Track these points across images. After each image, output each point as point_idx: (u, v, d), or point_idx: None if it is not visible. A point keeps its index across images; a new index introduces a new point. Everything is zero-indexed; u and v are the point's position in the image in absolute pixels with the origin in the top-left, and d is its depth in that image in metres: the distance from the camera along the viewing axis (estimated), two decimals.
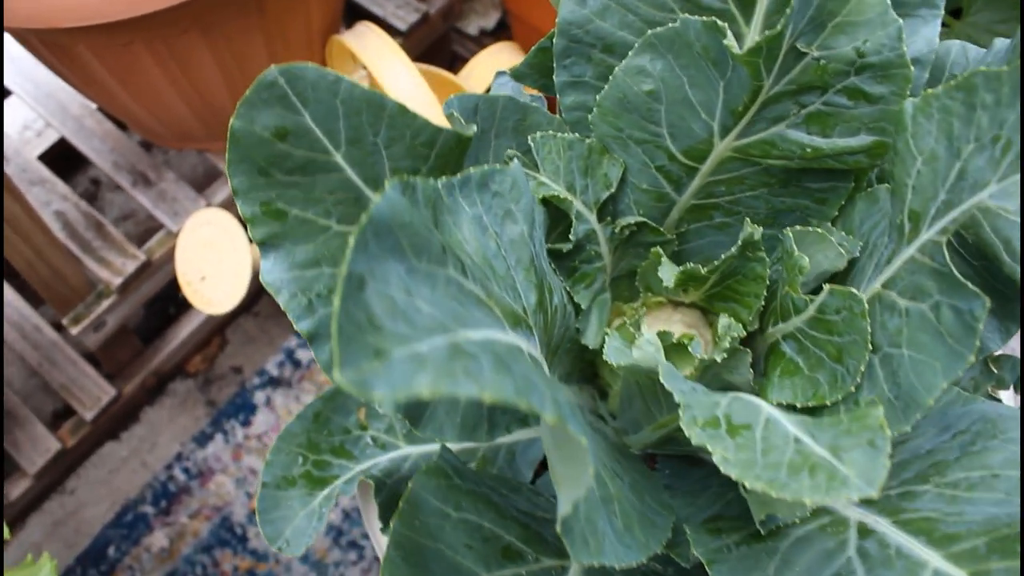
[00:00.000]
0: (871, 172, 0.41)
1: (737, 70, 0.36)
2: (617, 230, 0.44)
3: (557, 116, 0.42)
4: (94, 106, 0.94)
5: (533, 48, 0.44)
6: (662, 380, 0.31)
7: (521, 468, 0.51)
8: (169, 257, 0.87)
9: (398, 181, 0.26)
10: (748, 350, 0.40)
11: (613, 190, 0.42)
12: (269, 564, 0.90)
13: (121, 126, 0.96)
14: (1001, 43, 0.42)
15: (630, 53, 0.38)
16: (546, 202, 0.41)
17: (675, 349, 0.41)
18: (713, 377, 0.41)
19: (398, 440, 0.49)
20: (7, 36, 0.77)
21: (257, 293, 1.01)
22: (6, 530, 0.59)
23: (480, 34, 1.11)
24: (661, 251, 0.43)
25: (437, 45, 1.09)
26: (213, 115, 0.81)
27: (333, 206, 0.34)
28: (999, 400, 0.46)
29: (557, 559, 0.37)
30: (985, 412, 0.37)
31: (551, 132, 0.40)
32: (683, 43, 0.37)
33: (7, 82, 0.95)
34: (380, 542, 0.49)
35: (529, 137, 0.40)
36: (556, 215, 0.42)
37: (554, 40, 0.41)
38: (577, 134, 0.42)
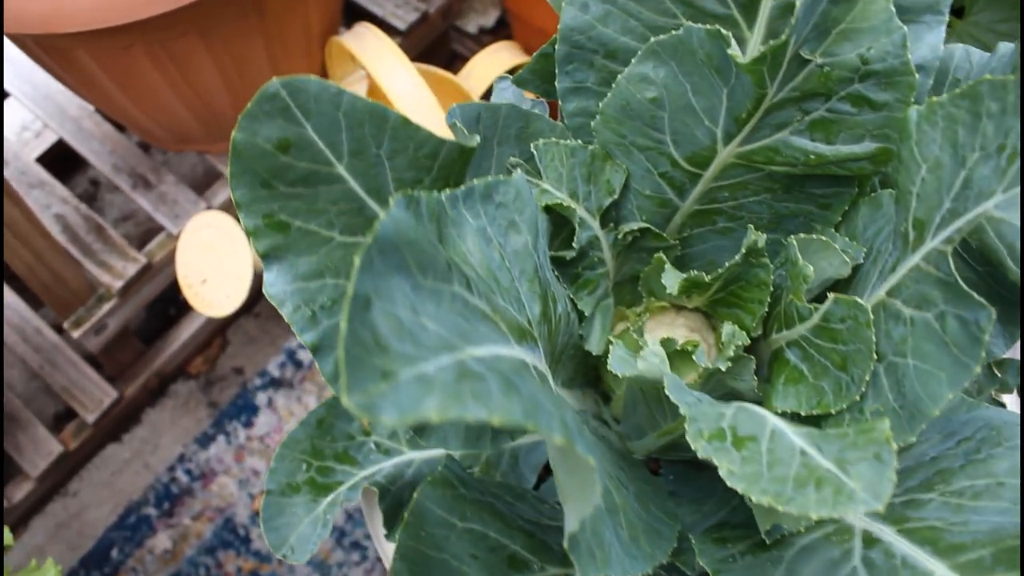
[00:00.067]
0: (874, 177, 0.41)
1: (741, 78, 0.36)
2: (620, 236, 0.43)
3: (559, 123, 0.42)
4: (92, 108, 0.93)
5: (535, 54, 0.44)
6: (667, 393, 0.31)
7: (525, 472, 0.51)
8: (170, 260, 0.87)
9: (402, 196, 0.26)
10: (752, 357, 0.40)
11: (616, 196, 0.42)
12: (272, 565, 0.90)
13: (119, 127, 0.95)
14: (1005, 47, 0.41)
15: (633, 60, 0.38)
16: (549, 209, 0.40)
17: (679, 355, 0.41)
18: (717, 383, 0.41)
19: (401, 445, 0.49)
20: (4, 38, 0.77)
21: (258, 294, 1.01)
22: (9, 536, 0.59)
23: (479, 32, 1.10)
24: (664, 257, 0.43)
25: (436, 44, 1.08)
26: (212, 117, 0.81)
27: (336, 217, 0.34)
28: (1003, 404, 0.46)
29: (562, 568, 0.37)
30: (989, 419, 0.37)
31: (554, 139, 0.40)
32: (686, 50, 0.36)
33: (4, 84, 0.94)
34: (385, 549, 0.49)
35: (532, 144, 0.39)
36: (559, 221, 0.42)
37: (556, 46, 0.41)
38: (580, 140, 0.42)
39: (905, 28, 0.35)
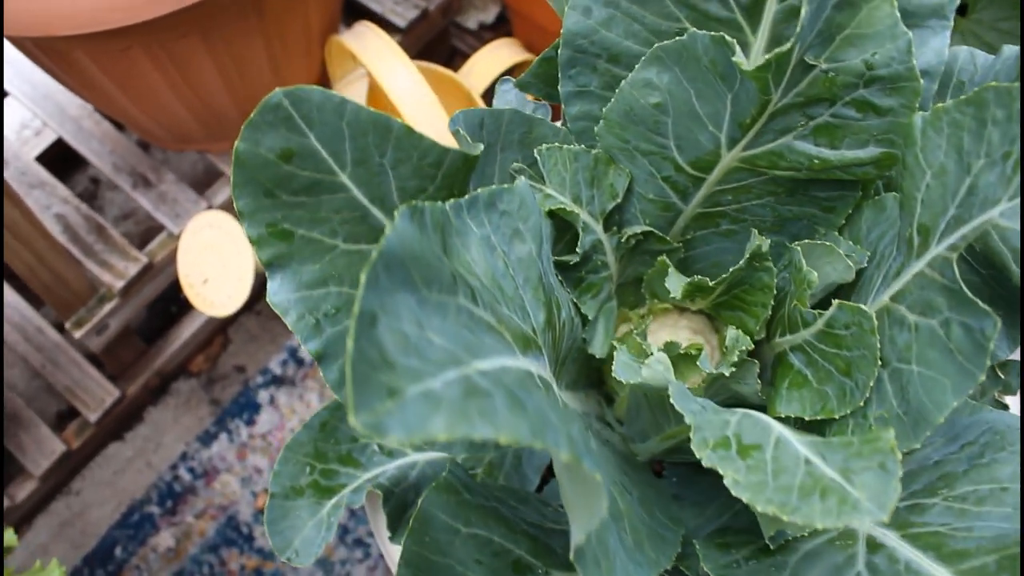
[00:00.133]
0: (878, 180, 0.41)
1: (745, 84, 0.36)
2: (623, 239, 0.43)
3: (562, 127, 0.42)
4: (92, 107, 0.93)
5: (538, 58, 0.44)
6: (672, 402, 0.31)
7: (528, 473, 0.52)
8: (171, 259, 0.87)
9: (407, 208, 0.26)
10: (756, 361, 0.40)
11: (619, 200, 0.42)
12: (276, 563, 0.90)
13: (119, 126, 0.95)
14: (1010, 50, 0.41)
15: (637, 66, 0.38)
16: (552, 214, 0.40)
17: (683, 359, 0.41)
18: (720, 387, 0.41)
19: (405, 447, 0.49)
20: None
21: (259, 292, 1.01)
22: (13, 537, 0.59)
23: (479, 28, 1.10)
24: (668, 260, 0.43)
25: (436, 40, 1.08)
26: (213, 117, 0.80)
27: (339, 225, 0.34)
28: (1006, 405, 0.46)
29: (566, 572, 0.37)
30: (993, 423, 0.37)
31: (557, 144, 0.40)
32: (690, 57, 0.36)
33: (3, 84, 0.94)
34: (389, 551, 0.49)
35: (535, 150, 0.39)
36: (562, 225, 0.42)
37: (559, 51, 0.41)
38: (583, 144, 0.42)
39: (910, 33, 0.35)
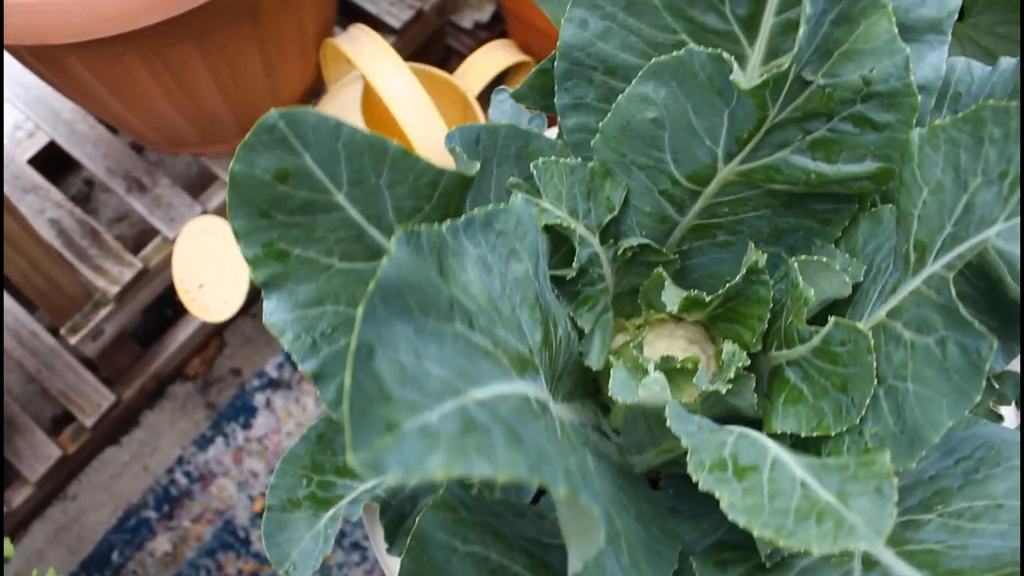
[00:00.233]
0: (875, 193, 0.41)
1: (742, 100, 0.36)
2: (620, 252, 0.43)
3: (559, 140, 0.42)
4: (85, 110, 0.92)
5: (534, 70, 0.44)
6: (669, 424, 0.31)
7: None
8: (166, 263, 0.86)
9: (403, 234, 0.26)
10: (752, 375, 0.40)
11: (616, 213, 0.42)
12: (273, 568, 0.90)
13: (113, 129, 0.95)
14: (1007, 62, 0.41)
15: (634, 81, 0.38)
16: (548, 228, 0.40)
17: (679, 373, 0.41)
18: (717, 401, 0.41)
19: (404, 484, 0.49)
20: None
21: (254, 296, 1.00)
22: (10, 547, 0.59)
23: (475, 27, 1.09)
24: (664, 272, 0.43)
25: (431, 40, 1.07)
26: (207, 122, 0.80)
27: (335, 244, 0.33)
28: (1001, 416, 0.46)
29: None
30: (988, 437, 0.37)
31: (553, 158, 0.40)
32: (688, 72, 0.36)
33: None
34: (387, 563, 0.49)
35: (531, 164, 0.39)
36: (558, 238, 0.42)
37: (555, 63, 0.40)
38: (579, 156, 0.42)
39: (907, 49, 0.34)
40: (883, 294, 0.37)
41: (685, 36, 0.39)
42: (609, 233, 0.43)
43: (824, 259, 0.37)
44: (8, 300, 0.91)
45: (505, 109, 0.50)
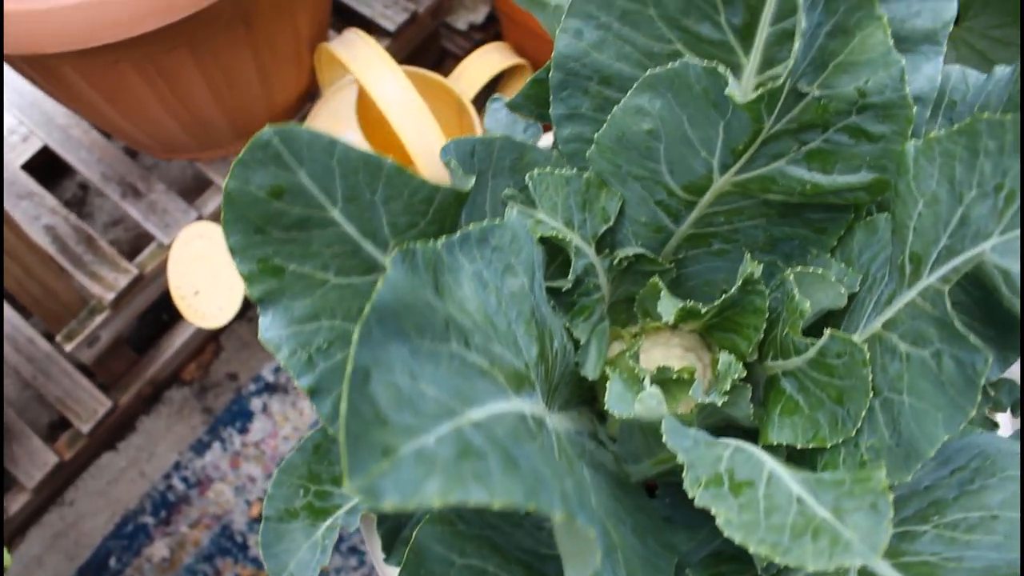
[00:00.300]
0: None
1: (737, 112, 0.36)
2: (615, 261, 0.43)
3: (554, 152, 0.42)
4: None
5: (529, 80, 0.43)
6: (665, 440, 0.31)
7: None
8: (161, 269, 0.86)
9: (399, 253, 0.26)
10: (748, 385, 0.40)
11: (611, 223, 0.42)
12: None
13: (107, 134, 0.94)
14: (1001, 71, 0.41)
15: (629, 92, 0.38)
16: (544, 239, 0.40)
17: (675, 383, 0.41)
18: (713, 411, 0.41)
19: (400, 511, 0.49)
20: None
21: (249, 301, 1.00)
22: (8, 557, 0.59)
23: (469, 29, 1.09)
24: (660, 282, 0.43)
25: (426, 43, 1.07)
26: (202, 128, 0.80)
27: (330, 259, 0.33)
28: (996, 423, 0.46)
29: None
30: (984, 447, 0.37)
31: (548, 169, 0.40)
32: (683, 84, 0.36)
33: None
34: (386, 573, 0.49)
35: (527, 175, 0.39)
36: (554, 249, 0.42)
37: (550, 73, 0.40)
38: (574, 166, 0.42)
39: (903, 61, 0.34)
40: (879, 305, 0.37)
41: (680, 46, 0.39)
42: (605, 243, 0.43)
43: (820, 271, 0.37)
44: (4, 307, 0.91)
45: (500, 118, 0.50)
